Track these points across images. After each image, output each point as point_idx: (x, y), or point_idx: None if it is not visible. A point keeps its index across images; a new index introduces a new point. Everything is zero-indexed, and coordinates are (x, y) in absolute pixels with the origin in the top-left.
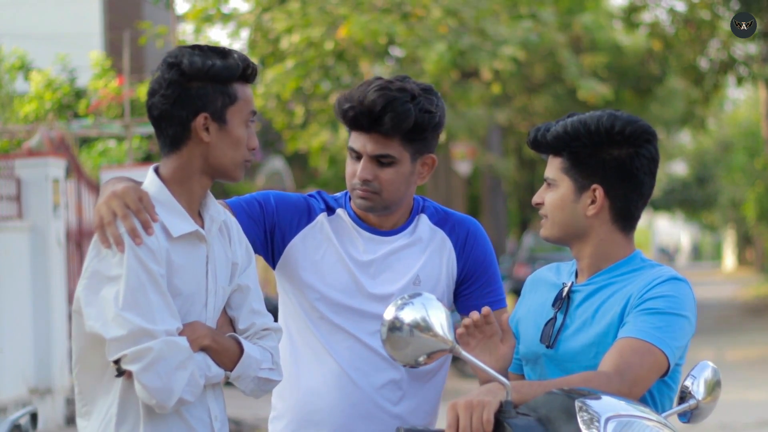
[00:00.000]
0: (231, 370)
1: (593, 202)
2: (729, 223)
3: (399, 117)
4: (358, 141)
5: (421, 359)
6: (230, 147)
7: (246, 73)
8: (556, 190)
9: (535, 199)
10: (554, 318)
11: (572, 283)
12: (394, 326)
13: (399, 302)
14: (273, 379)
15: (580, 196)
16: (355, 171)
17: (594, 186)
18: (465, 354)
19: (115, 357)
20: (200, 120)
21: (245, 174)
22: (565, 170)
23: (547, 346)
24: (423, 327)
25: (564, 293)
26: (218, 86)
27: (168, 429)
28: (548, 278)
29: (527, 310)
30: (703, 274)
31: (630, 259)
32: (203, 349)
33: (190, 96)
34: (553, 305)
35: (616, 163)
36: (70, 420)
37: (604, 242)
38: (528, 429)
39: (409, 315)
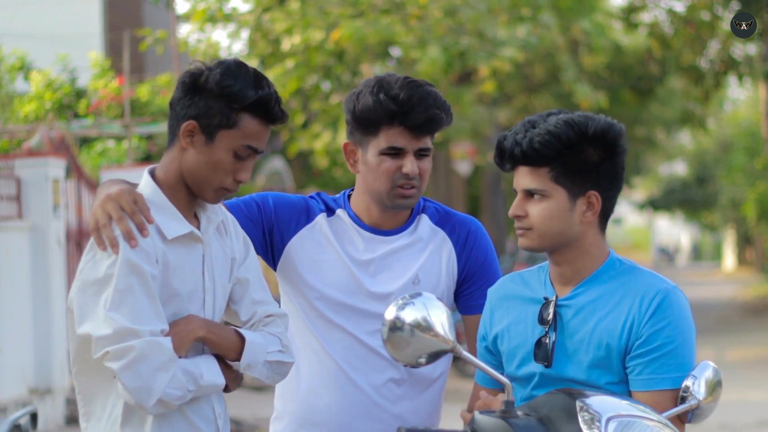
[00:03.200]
0: (237, 360)
1: (589, 208)
2: (729, 223)
3: (450, 116)
4: (402, 139)
5: (422, 359)
6: (207, 165)
7: (261, 108)
8: (546, 201)
9: (516, 212)
10: (546, 336)
11: (556, 297)
12: (395, 326)
13: (400, 302)
14: (286, 361)
15: (574, 204)
16: (396, 167)
17: (590, 192)
18: (466, 354)
19: (98, 354)
20: (188, 126)
21: None
22: (555, 179)
23: (546, 366)
24: (424, 327)
25: (552, 309)
26: (223, 106)
27: (173, 428)
28: (518, 292)
29: (506, 328)
30: (703, 274)
31: (609, 264)
32: (200, 340)
33: (194, 102)
34: (541, 322)
35: (608, 166)
36: (70, 420)
37: (592, 246)
38: (529, 429)
39: (410, 315)
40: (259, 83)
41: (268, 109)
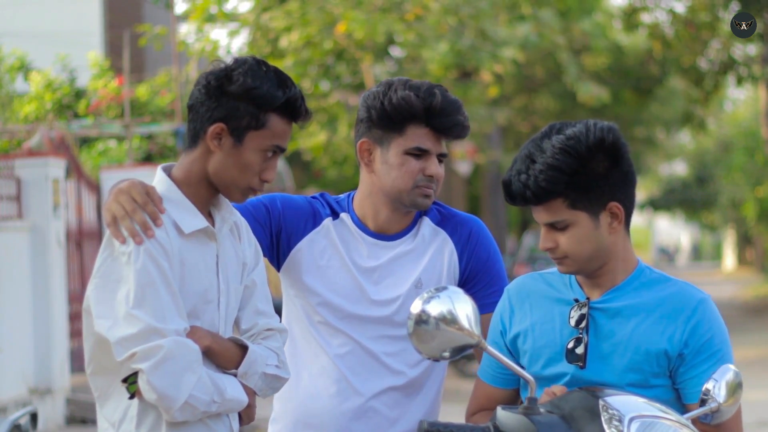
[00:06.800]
0: (235, 369)
1: (614, 218)
2: (729, 223)
3: (469, 129)
4: (428, 140)
5: (446, 353)
6: (236, 167)
7: (289, 108)
8: (571, 228)
9: (546, 245)
10: (580, 338)
11: (588, 299)
12: (421, 319)
13: (425, 295)
14: (281, 377)
15: (598, 221)
16: (420, 168)
17: (610, 204)
18: (491, 349)
19: (124, 356)
20: (215, 128)
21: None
22: (572, 206)
23: (581, 367)
24: (449, 320)
25: (585, 311)
26: (251, 108)
27: (188, 428)
28: (542, 291)
29: (530, 328)
30: (703, 274)
31: (640, 271)
32: (205, 350)
33: (220, 104)
34: (575, 323)
35: (617, 170)
36: (70, 420)
37: (623, 251)
38: (552, 426)
39: (435, 308)
40: (284, 83)
41: (295, 108)
